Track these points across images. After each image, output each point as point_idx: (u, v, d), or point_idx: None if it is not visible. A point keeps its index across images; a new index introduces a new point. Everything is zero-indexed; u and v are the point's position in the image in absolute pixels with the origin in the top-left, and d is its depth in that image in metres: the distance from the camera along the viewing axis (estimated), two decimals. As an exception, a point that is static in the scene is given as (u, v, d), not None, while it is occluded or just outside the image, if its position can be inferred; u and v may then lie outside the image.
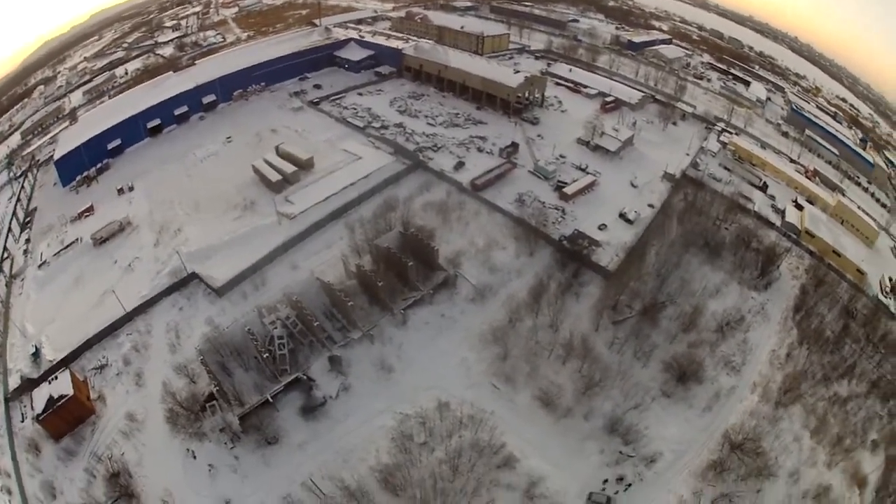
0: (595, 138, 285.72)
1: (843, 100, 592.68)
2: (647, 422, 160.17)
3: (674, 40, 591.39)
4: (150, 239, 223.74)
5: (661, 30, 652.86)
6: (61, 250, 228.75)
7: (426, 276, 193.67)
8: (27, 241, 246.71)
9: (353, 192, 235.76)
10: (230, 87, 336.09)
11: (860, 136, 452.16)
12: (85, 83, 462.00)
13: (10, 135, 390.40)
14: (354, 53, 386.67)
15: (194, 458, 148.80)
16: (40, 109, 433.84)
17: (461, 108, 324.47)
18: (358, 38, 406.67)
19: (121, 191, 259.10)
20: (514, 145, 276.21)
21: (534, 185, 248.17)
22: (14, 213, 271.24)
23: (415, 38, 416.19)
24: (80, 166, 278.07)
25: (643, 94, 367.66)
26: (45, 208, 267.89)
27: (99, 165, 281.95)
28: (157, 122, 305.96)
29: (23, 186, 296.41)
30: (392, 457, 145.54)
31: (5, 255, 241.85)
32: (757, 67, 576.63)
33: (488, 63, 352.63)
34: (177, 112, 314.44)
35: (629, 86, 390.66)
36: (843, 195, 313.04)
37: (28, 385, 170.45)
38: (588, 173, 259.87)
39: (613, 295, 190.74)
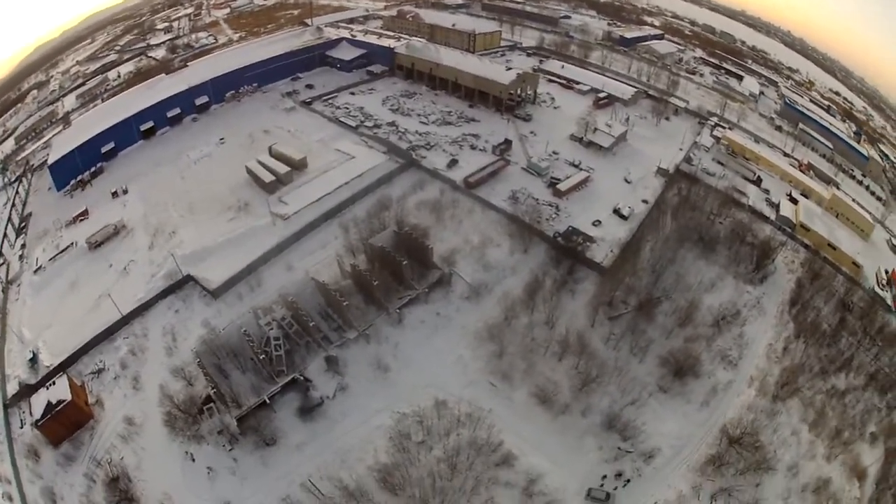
0: (588, 134, 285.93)
1: (837, 93, 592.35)
2: (645, 417, 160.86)
3: (666, 36, 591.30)
4: (145, 242, 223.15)
5: (653, 25, 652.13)
6: (57, 255, 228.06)
7: (421, 275, 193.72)
8: (23, 246, 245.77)
9: (346, 191, 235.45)
10: (222, 89, 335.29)
11: (854, 129, 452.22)
12: (78, 87, 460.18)
13: (4, 140, 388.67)
14: (346, 53, 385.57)
15: (193, 460, 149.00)
16: (34, 114, 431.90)
17: (454, 106, 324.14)
18: (349, 37, 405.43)
19: (115, 194, 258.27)
20: (507, 142, 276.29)
21: (527, 182, 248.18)
22: (9, 219, 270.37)
23: (406, 36, 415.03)
24: (74, 170, 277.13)
25: (636, 89, 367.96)
26: (39, 213, 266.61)
27: (93, 169, 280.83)
28: (150, 124, 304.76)
29: (17, 192, 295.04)
30: (390, 456, 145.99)
31: (1, 260, 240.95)
32: (750, 62, 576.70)
33: (480, 60, 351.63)
34: (170, 114, 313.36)
35: (622, 82, 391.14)
36: (838, 188, 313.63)
37: (26, 391, 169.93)
38: (581, 169, 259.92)
39: (609, 291, 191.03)
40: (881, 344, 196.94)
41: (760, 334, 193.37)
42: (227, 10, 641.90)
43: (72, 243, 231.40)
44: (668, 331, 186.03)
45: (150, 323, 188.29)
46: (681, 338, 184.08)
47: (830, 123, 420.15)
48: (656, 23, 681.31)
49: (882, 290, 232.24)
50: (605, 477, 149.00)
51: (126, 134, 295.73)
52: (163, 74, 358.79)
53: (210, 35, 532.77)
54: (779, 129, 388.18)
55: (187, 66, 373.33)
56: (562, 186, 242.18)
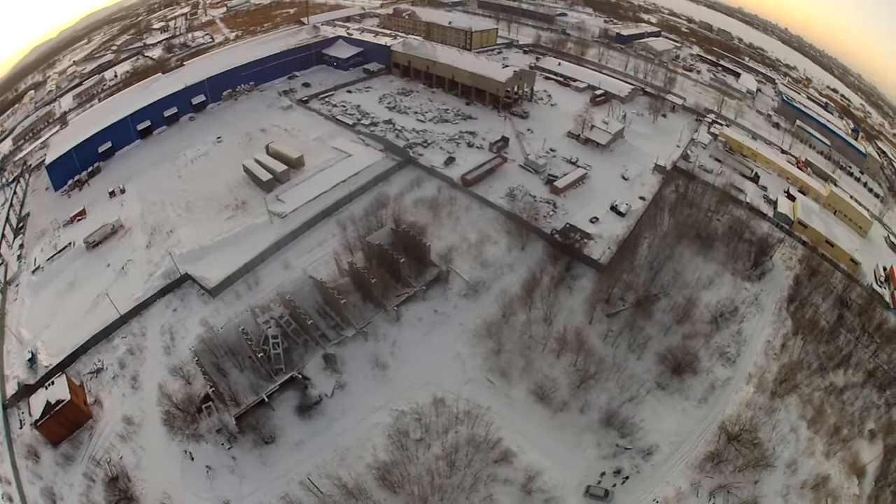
0: (585, 131, 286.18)
1: (834, 90, 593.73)
2: (643, 414, 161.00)
3: (663, 33, 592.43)
4: (143, 241, 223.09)
5: (649, 22, 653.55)
6: (55, 255, 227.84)
7: (418, 273, 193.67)
8: (21, 246, 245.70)
9: (343, 189, 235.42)
10: (219, 88, 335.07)
11: (852, 126, 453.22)
12: (75, 87, 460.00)
13: (2, 141, 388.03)
14: (343, 51, 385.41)
15: (192, 459, 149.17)
16: (31, 114, 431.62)
17: (450, 104, 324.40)
18: (346, 35, 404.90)
19: (112, 193, 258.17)
20: (505, 140, 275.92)
21: (524, 180, 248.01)
22: (7, 219, 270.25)
23: (403, 34, 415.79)
24: (72, 170, 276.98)
25: (633, 86, 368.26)
26: (37, 213, 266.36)
27: (90, 169, 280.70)
28: (147, 123, 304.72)
29: (15, 192, 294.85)
30: (389, 454, 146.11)
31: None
32: (747, 59, 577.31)
33: (477, 58, 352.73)
34: (167, 113, 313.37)
35: (619, 79, 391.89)
36: (836, 185, 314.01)
37: (25, 391, 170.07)
38: (579, 167, 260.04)
39: (606, 288, 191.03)
40: (879, 341, 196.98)
41: (758, 331, 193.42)
42: (224, 9, 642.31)
43: (70, 243, 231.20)
44: (666, 328, 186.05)
45: (149, 322, 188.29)
46: (679, 335, 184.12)
47: (828, 120, 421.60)
48: (653, 20, 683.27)
49: (880, 286, 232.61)
50: (603, 474, 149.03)
51: (123, 133, 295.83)
52: (159, 74, 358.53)
53: (206, 34, 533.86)
54: (776, 126, 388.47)
55: (184, 65, 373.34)
56: (559, 184, 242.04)
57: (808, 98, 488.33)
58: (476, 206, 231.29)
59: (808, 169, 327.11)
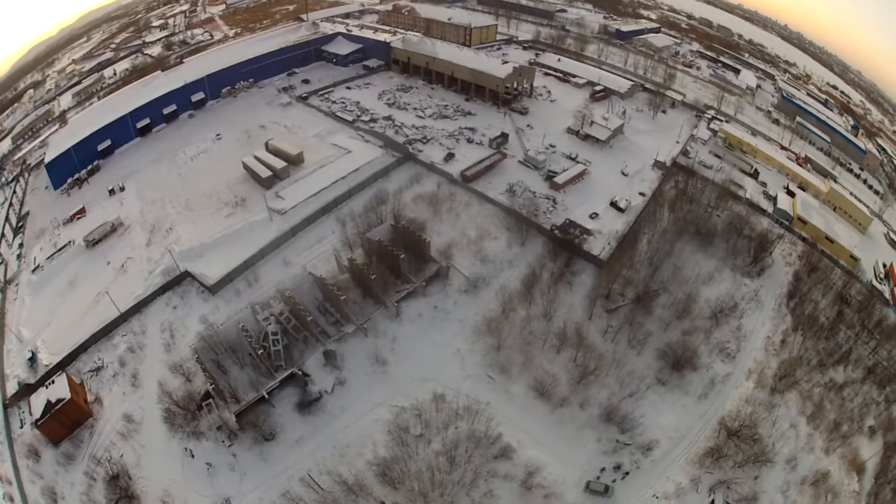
0: (585, 127, 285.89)
1: (834, 87, 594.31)
2: (643, 410, 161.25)
3: (662, 29, 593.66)
4: (143, 239, 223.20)
5: (649, 19, 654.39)
6: (54, 253, 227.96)
7: (418, 269, 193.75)
8: (20, 245, 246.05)
9: (343, 186, 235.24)
10: (218, 85, 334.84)
11: (851, 123, 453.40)
12: (74, 85, 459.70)
13: (1, 140, 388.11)
14: (342, 47, 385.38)
15: (192, 457, 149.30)
16: (30, 113, 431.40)
17: (450, 100, 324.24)
18: (345, 32, 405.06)
19: (112, 192, 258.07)
20: (504, 136, 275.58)
21: (524, 176, 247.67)
22: (6, 218, 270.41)
23: (402, 30, 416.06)
24: (71, 169, 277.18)
25: (632, 82, 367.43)
26: (37, 212, 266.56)
27: (90, 167, 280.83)
28: (146, 121, 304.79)
29: (15, 191, 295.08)
30: (389, 450, 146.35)
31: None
32: (746, 55, 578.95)
33: (476, 54, 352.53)
34: (166, 111, 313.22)
35: (618, 75, 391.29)
36: (835, 182, 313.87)
37: (26, 390, 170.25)
38: (578, 162, 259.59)
39: (606, 283, 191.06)
40: (879, 337, 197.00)
41: (758, 327, 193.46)
42: (223, 6, 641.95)
43: (69, 242, 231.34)
44: (665, 323, 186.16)
45: (148, 320, 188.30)
46: (679, 330, 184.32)
47: (828, 117, 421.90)
48: (653, 16, 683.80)
49: (880, 283, 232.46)
50: (603, 469, 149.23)
51: (122, 131, 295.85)
52: (159, 71, 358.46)
53: (206, 31, 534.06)
54: (776, 122, 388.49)
55: (183, 62, 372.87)
56: (559, 179, 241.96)
57: (808, 94, 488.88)
58: (476, 202, 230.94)
59: (808, 165, 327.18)
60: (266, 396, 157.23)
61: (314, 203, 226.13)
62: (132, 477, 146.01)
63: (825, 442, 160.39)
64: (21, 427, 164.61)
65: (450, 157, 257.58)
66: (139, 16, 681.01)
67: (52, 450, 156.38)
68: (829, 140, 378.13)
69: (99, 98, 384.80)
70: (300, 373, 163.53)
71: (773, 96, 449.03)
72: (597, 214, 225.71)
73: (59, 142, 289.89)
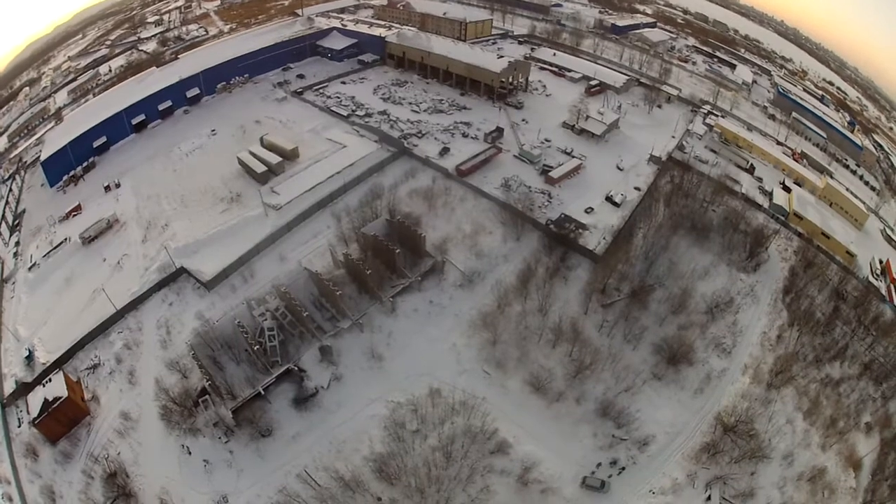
0: (580, 122, 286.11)
1: (831, 83, 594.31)
2: (639, 405, 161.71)
3: (658, 24, 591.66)
4: (138, 235, 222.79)
5: (645, 13, 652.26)
6: (51, 251, 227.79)
7: (414, 263, 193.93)
8: (17, 243, 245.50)
9: (338, 180, 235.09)
10: (213, 80, 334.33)
11: (848, 119, 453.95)
12: (69, 82, 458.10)
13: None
14: (337, 42, 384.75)
15: (189, 454, 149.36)
16: (26, 111, 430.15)
17: (445, 95, 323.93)
18: (340, 26, 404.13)
19: (107, 188, 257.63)
20: (499, 130, 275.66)
21: (519, 170, 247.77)
22: (3, 216, 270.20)
23: (397, 25, 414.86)
24: (67, 166, 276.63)
25: (628, 77, 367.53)
26: (33, 210, 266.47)
27: (85, 164, 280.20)
28: (141, 117, 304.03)
29: (11, 189, 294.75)
30: (385, 445, 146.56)
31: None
32: (743, 51, 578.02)
33: (471, 49, 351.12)
34: (161, 107, 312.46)
35: (614, 69, 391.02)
36: (832, 177, 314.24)
37: (23, 389, 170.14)
38: (574, 157, 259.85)
39: (602, 278, 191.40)
40: (875, 334, 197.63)
41: (754, 322, 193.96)
42: (218, 1, 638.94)
43: (65, 239, 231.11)
44: (661, 318, 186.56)
45: (145, 316, 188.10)
46: (674, 325, 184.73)
47: (824, 113, 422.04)
48: (648, 11, 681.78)
49: (876, 279, 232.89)
50: (599, 465, 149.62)
51: (118, 128, 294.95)
52: (154, 67, 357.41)
53: (201, 27, 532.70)
54: (772, 117, 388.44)
55: (178, 58, 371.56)
56: (554, 174, 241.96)
57: (804, 90, 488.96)
58: (471, 196, 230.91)
59: (804, 161, 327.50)
60: (262, 392, 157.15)
61: (309, 198, 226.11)
62: (129, 475, 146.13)
63: (822, 438, 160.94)
64: (19, 426, 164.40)
65: (445, 151, 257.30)
66: (134, 12, 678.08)
67: (50, 448, 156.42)
68: (825, 136, 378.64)
69: (94, 95, 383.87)
70: (296, 368, 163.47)
71: (769, 92, 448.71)
72: (592, 209, 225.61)
73: (55, 139, 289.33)
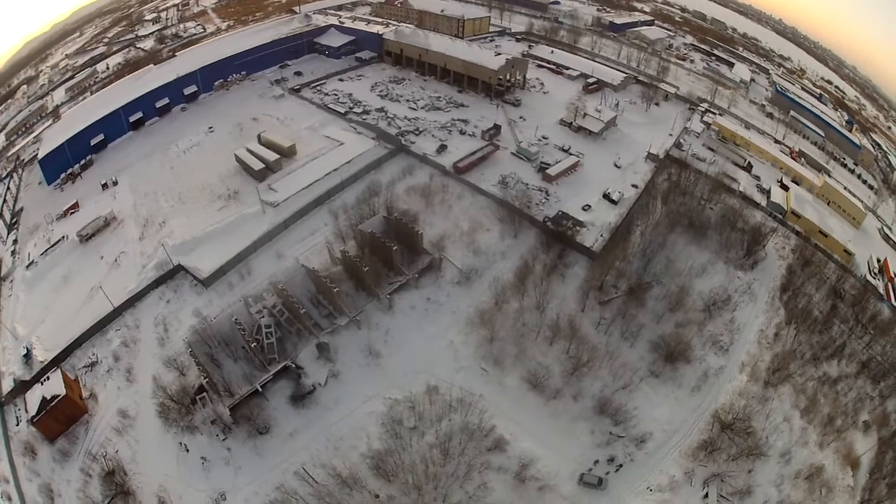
0: (578, 119, 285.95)
1: (829, 82, 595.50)
2: (637, 402, 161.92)
3: (656, 22, 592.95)
4: (136, 233, 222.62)
5: (643, 11, 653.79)
6: (48, 249, 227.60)
7: (411, 261, 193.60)
8: (14, 242, 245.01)
9: (335, 178, 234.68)
10: (211, 78, 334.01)
11: (846, 117, 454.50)
12: (67, 80, 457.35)
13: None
14: (335, 39, 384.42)
15: (187, 451, 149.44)
16: (24, 109, 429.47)
17: (443, 92, 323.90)
18: (338, 24, 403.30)
19: (105, 186, 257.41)
20: (497, 127, 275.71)
21: (517, 167, 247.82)
22: (0, 215, 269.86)
23: (395, 22, 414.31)
24: (65, 163, 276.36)
25: (626, 75, 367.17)
26: (31, 208, 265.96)
27: (83, 162, 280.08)
28: (139, 115, 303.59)
29: (8, 188, 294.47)
30: (383, 442, 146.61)
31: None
32: (741, 49, 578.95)
33: (469, 46, 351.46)
34: (158, 104, 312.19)
35: (611, 67, 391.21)
36: (829, 176, 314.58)
37: (21, 388, 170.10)
38: (571, 154, 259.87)
39: (599, 275, 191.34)
40: (873, 332, 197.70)
41: (751, 320, 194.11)
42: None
43: (63, 237, 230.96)
44: (658, 316, 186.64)
45: (142, 314, 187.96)
46: (672, 323, 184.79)
47: (822, 112, 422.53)
48: (646, 9, 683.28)
49: (874, 278, 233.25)
50: (596, 462, 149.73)
51: (115, 125, 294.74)
52: (151, 65, 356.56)
53: (198, 24, 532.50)
54: (770, 116, 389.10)
55: (176, 56, 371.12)
56: (551, 171, 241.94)
57: (802, 89, 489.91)
58: (468, 193, 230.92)
59: (802, 159, 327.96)
60: (260, 390, 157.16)
61: (307, 195, 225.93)
62: (127, 472, 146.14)
63: (819, 436, 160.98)
64: (17, 424, 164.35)
65: (442, 148, 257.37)
66: (132, 10, 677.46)
67: (49, 447, 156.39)
68: (823, 134, 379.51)
69: (92, 93, 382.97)
70: (293, 365, 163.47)
71: (766, 90, 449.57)
72: (589, 206, 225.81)
73: (53, 137, 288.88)
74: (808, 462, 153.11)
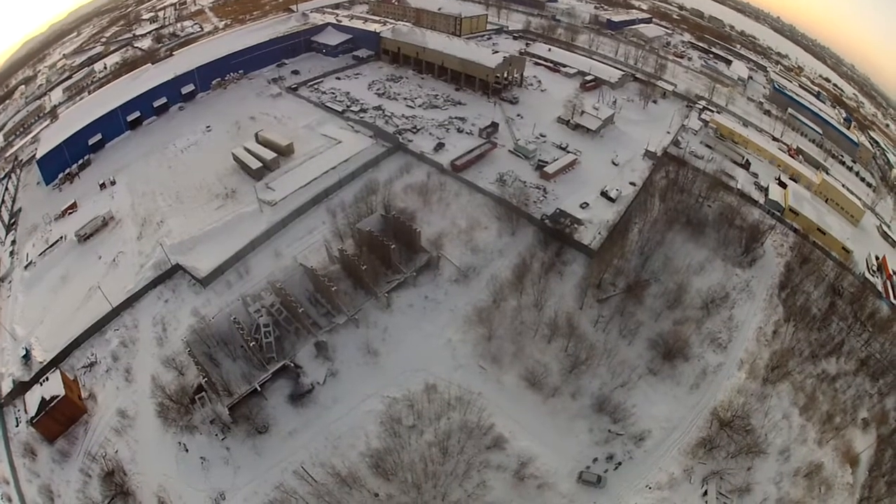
0: (575, 117, 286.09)
1: (827, 79, 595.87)
2: (635, 400, 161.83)
3: (653, 19, 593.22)
4: (134, 232, 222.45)
5: (640, 9, 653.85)
6: (46, 249, 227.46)
7: (409, 259, 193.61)
8: (13, 242, 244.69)
9: (333, 176, 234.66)
10: (208, 77, 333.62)
11: (844, 115, 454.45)
12: (65, 80, 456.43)
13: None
14: (332, 38, 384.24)
15: (186, 451, 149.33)
16: (22, 109, 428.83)
17: (440, 90, 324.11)
18: (335, 22, 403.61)
19: (103, 185, 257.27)
20: (494, 125, 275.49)
21: (514, 165, 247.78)
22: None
23: (392, 20, 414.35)
24: (63, 163, 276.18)
25: (623, 72, 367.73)
26: (29, 208, 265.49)
27: (81, 162, 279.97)
28: (136, 114, 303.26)
29: (6, 188, 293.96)
30: (382, 441, 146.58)
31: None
32: (738, 46, 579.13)
33: (466, 44, 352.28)
34: (156, 104, 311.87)
35: (609, 65, 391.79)
36: (827, 174, 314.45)
37: (20, 388, 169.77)
38: (569, 152, 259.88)
39: (597, 273, 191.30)
40: (872, 330, 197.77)
41: (750, 317, 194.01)
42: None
43: (61, 237, 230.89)
44: (657, 313, 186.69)
45: (140, 314, 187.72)
46: (670, 320, 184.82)
47: (820, 109, 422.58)
48: (644, 6, 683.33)
49: (872, 275, 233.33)
50: (595, 460, 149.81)
51: (113, 125, 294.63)
52: (149, 64, 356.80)
53: (196, 24, 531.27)
54: (767, 113, 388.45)
55: (173, 55, 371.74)
56: (549, 169, 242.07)
57: (800, 87, 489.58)
58: (466, 191, 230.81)
59: (800, 157, 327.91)
60: (258, 389, 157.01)
61: (304, 194, 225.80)
62: (127, 472, 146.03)
63: (818, 434, 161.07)
64: (17, 425, 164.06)
65: (440, 146, 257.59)
66: (129, 9, 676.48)
67: (48, 447, 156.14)
68: (821, 132, 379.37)
69: (89, 92, 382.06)
70: (292, 364, 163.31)
71: (764, 88, 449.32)
72: (587, 204, 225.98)
73: (50, 137, 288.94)
74: (807, 459, 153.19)
